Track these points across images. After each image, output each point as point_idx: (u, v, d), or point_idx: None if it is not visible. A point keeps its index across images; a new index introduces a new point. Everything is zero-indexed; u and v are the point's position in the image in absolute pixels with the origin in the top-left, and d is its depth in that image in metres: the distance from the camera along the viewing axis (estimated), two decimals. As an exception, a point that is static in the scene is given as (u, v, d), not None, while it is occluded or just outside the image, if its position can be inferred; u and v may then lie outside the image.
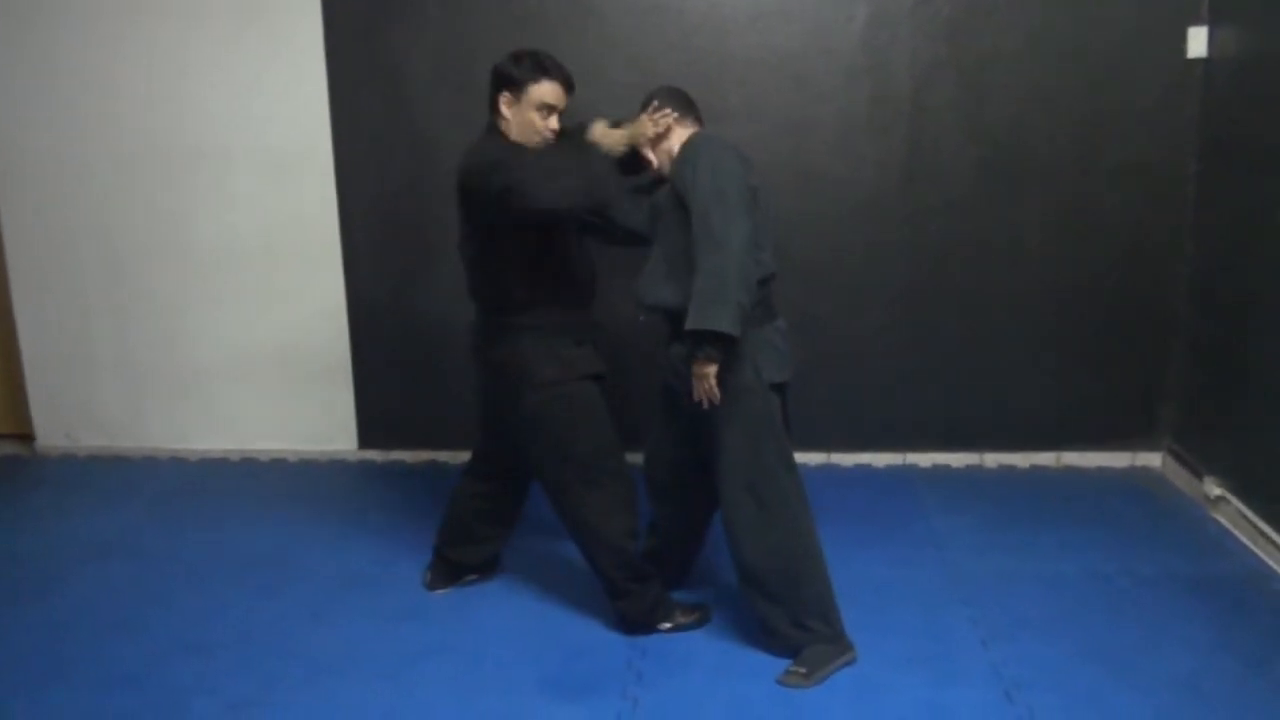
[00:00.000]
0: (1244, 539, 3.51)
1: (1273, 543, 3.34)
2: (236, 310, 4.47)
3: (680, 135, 2.91)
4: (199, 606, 3.30)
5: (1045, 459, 4.28)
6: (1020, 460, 4.28)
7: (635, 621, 3.05)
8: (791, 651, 2.86)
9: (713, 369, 2.67)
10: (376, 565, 3.55)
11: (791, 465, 2.84)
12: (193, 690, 2.83)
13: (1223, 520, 3.66)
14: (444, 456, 4.49)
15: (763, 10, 3.97)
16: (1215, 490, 3.68)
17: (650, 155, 2.95)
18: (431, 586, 3.36)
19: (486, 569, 3.41)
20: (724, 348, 2.65)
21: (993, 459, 4.30)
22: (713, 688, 2.80)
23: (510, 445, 3.09)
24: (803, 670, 2.81)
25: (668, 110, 2.91)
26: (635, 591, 3.02)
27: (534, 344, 2.92)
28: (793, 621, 2.84)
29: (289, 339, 4.47)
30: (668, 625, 3.06)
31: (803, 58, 4.00)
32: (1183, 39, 3.85)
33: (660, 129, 2.90)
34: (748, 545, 2.83)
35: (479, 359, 3.06)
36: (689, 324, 2.63)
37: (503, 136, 2.90)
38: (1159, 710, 2.63)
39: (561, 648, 3.02)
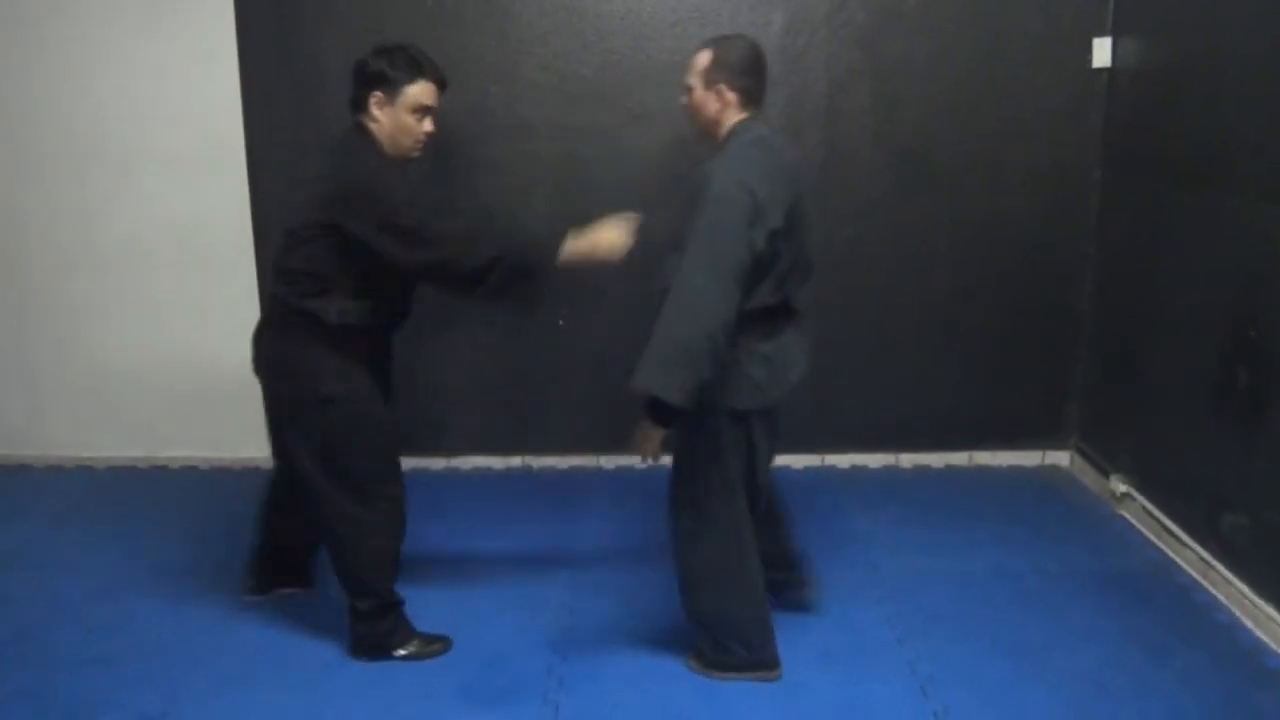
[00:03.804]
0: (1148, 534, 3.62)
1: (1175, 537, 3.44)
2: (145, 313, 4.35)
3: (730, 120, 2.65)
4: (105, 618, 3.20)
5: (958, 459, 4.35)
6: (935, 460, 4.36)
7: (370, 645, 2.95)
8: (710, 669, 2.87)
9: (659, 434, 2.59)
10: (291, 573, 3.48)
11: (736, 490, 2.75)
12: (97, 704, 2.76)
13: (1128, 516, 3.77)
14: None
15: (680, 15, 3.98)
16: (1120, 487, 3.79)
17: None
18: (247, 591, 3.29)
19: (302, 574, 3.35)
20: (674, 414, 2.51)
21: (908, 459, 4.37)
22: (635, 691, 2.80)
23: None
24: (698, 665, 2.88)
25: None
26: (376, 618, 2.93)
27: (329, 358, 2.76)
28: (713, 639, 2.83)
29: (199, 343, 4.35)
30: (403, 651, 2.97)
31: (720, 62, 4.01)
32: (1088, 49, 3.95)
33: None
34: (683, 555, 2.82)
35: (270, 366, 2.86)
36: (638, 374, 2.44)
37: (373, 140, 2.74)
38: (1068, 703, 2.69)
39: (481, 655, 2.99)
